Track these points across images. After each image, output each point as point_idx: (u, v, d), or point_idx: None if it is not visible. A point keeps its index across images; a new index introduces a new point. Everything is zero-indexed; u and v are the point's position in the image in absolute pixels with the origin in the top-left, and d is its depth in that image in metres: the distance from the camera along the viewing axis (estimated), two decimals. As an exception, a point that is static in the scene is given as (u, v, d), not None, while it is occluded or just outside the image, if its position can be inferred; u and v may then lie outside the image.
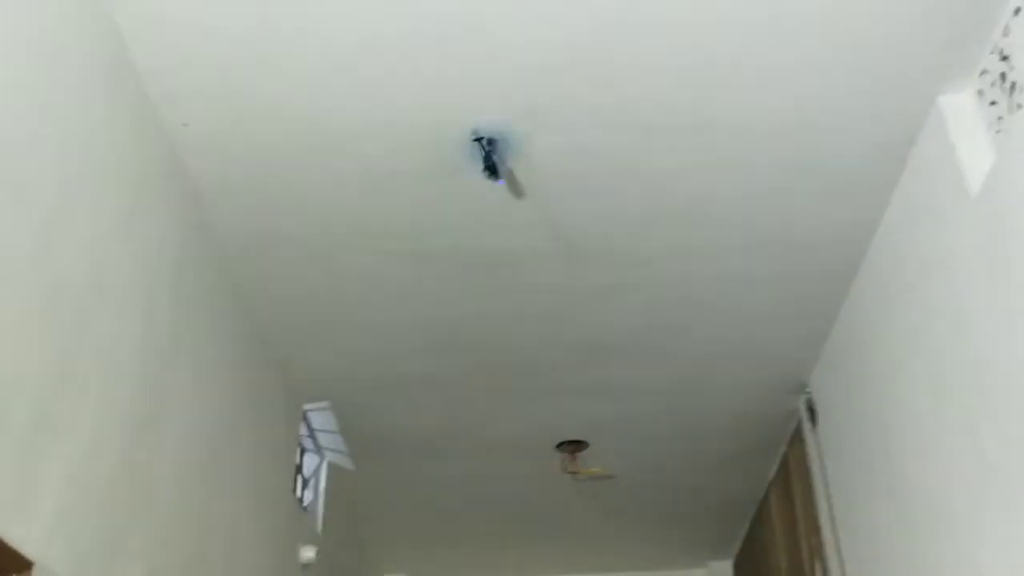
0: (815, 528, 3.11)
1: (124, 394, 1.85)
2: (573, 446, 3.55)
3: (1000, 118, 1.82)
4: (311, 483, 3.59)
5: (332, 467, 3.65)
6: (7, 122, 1.44)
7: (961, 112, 1.92)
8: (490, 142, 2.03)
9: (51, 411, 1.57)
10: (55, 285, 1.58)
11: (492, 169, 2.03)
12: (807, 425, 3.12)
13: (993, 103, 1.84)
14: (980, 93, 1.89)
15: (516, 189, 2.20)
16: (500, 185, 2.15)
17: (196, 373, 2.22)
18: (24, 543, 1.45)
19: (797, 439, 3.27)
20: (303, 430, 3.31)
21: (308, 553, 3.15)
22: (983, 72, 1.86)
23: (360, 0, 1.74)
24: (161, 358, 2.01)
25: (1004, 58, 1.79)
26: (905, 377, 2.24)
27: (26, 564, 1.46)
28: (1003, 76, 1.79)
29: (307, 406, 3.24)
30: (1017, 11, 1.72)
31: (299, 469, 3.36)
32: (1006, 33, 1.77)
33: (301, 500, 3.37)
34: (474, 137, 2.03)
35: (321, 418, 3.38)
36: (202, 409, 2.26)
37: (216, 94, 1.94)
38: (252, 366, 2.67)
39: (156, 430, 1.99)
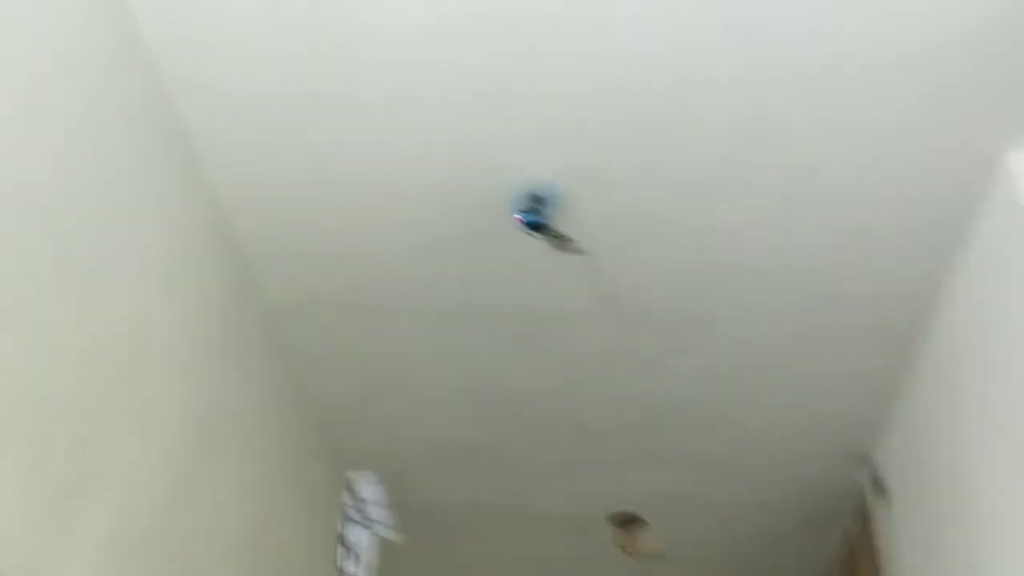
0: (885, 612, 2.92)
1: (161, 457, 1.81)
2: (627, 520, 3.42)
3: (1073, 171, 1.72)
4: (356, 555, 3.49)
5: (379, 539, 3.56)
6: (58, 175, 1.45)
7: (1030, 167, 1.83)
8: (537, 199, 2.00)
9: (86, 473, 1.53)
10: (95, 341, 1.56)
11: (538, 227, 1.99)
12: (872, 500, 2.95)
13: (1065, 155, 1.75)
14: (1050, 146, 1.80)
15: (569, 249, 2.15)
16: (548, 245, 2.11)
17: (237, 437, 2.18)
18: (53, 609, 1.41)
19: (862, 515, 3.10)
20: (348, 500, 3.24)
21: (351, 628, 3.05)
22: (1052, 124, 1.78)
23: (400, 63, 1.75)
24: (201, 421, 1.98)
25: (1075, 108, 1.70)
26: (982, 452, 2.10)
27: (54, 631, 1.41)
28: (1075, 127, 1.71)
29: (352, 474, 3.18)
30: (1087, 59, 1.64)
31: (343, 540, 3.28)
32: (1076, 82, 1.69)
33: (342, 572, 3.28)
34: (520, 196, 2.00)
35: (368, 488, 3.30)
36: (242, 474, 2.22)
37: (263, 155, 1.95)
38: (295, 431, 2.63)
39: (194, 494, 1.95)
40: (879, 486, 2.89)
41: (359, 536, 3.51)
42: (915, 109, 1.79)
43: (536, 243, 2.10)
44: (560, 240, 2.04)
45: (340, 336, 2.45)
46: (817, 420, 2.78)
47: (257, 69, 1.76)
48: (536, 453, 2.99)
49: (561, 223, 2.05)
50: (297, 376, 2.56)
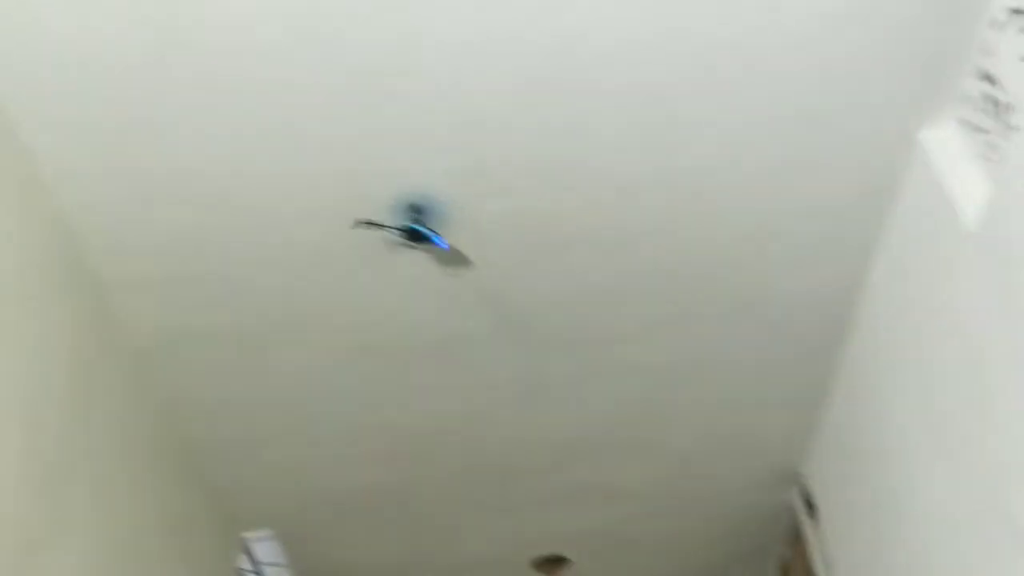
0: (826, 638, 2.76)
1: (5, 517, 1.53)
2: (551, 562, 3.20)
3: (990, 144, 1.63)
4: (259, 626, 3.17)
5: (283, 606, 3.25)
6: None
7: (944, 145, 1.74)
8: (417, 209, 1.82)
9: None
10: None
11: (417, 238, 1.80)
12: (804, 520, 2.81)
13: (980, 130, 1.66)
14: (963, 122, 1.71)
15: (461, 263, 1.96)
16: (443, 259, 1.93)
17: (98, 499, 1.89)
18: None
19: (796, 537, 2.96)
20: (245, 565, 2.93)
21: None
22: (964, 99, 1.69)
23: (260, 55, 1.55)
24: (48, 481, 1.70)
25: (987, 79, 1.62)
26: (915, 448, 1.98)
27: None
28: (989, 98, 1.62)
29: (247, 535, 2.88)
30: (994, 24, 1.56)
31: (241, 609, 2.97)
32: (987, 52, 1.60)
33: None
34: (405, 204, 1.82)
35: (266, 550, 3.01)
36: (107, 545, 1.92)
37: (112, 173, 1.71)
38: (176, 489, 2.34)
39: (49, 559, 1.66)
40: (810, 505, 2.76)
41: (261, 604, 3.20)
42: (818, 90, 1.69)
43: (426, 261, 1.93)
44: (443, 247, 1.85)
45: (219, 377, 2.19)
46: (741, 440, 2.64)
47: (96, 69, 1.54)
48: (448, 497, 2.76)
49: (446, 234, 1.86)
50: (173, 425, 2.28)
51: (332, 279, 1.97)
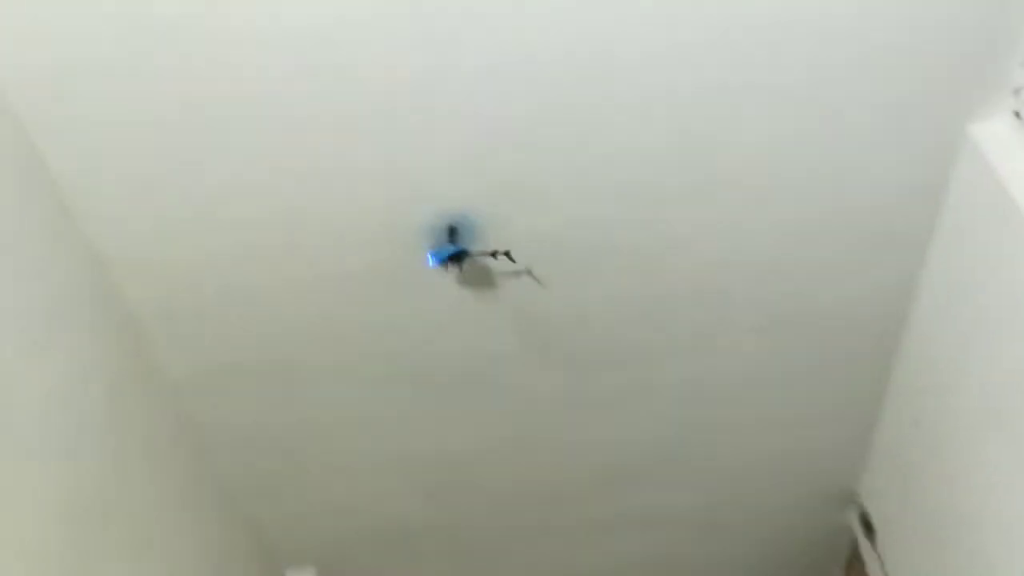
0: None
1: (31, 565, 1.49)
2: (598, 594, 3.10)
3: (1047, 134, 1.56)
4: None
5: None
6: None
7: (998, 137, 1.66)
8: (452, 231, 1.78)
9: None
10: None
11: (458, 257, 1.76)
12: (863, 541, 2.70)
13: (1036, 120, 1.59)
14: (1018, 115, 1.64)
15: (491, 283, 1.91)
16: (479, 280, 1.89)
17: (135, 535, 1.85)
18: None
19: (853, 560, 2.84)
20: (287, 602, 2.87)
21: None
22: (1017, 90, 1.62)
23: (287, 76, 1.51)
24: (85, 516, 1.66)
25: (1041, 66, 1.55)
26: (983, 459, 1.88)
27: None
28: (1044, 86, 1.55)
29: (290, 573, 2.83)
30: (1049, 8, 1.49)
31: (283, 649, 2.90)
32: (1039, 40, 1.53)
33: None
34: (434, 228, 1.78)
35: (307, 586, 2.95)
36: (146, 571, 1.88)
37: (140, 202, 1.68)
38: (214, 524, 2.30)
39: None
40: (868, 525, 2.65)
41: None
42: (864, 86, 1.62)
43: (460, 284, 1.88)
44: (493, 255, 1.80)
45: (255, 408, 2.14)
46: (792, 458, 2.54)
47: (123, 95, 1.52)
48: (491, 527, 2.68)
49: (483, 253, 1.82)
50: (210, 458, 2.24)
51: (368, 306, 1.93)
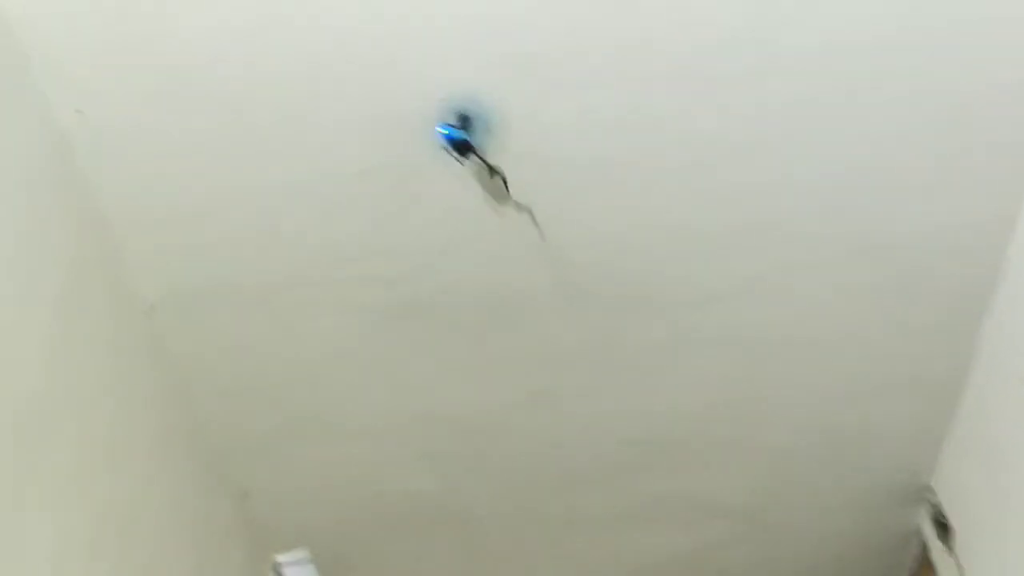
0: None
1: None
2: (626, 601, 2.76)
3: None
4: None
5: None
6: None
7: None
8: (464, 120, 1.51)
9: None
10: None
11: (462, 147, 1.50)
12: (936, 544, 2.34)
13: None
14: None
15: (508, 200, 1.63)
16: (497, 190, 1.61)
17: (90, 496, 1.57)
18: None
19: (923, 566, 2.48)
20: (277, 591, 2.58)
21: None
22: None
23: None
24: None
25: None
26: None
27: None
28: None
29: (280, 557, 2.53)
30: None
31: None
32: None
33: None
34: (443, 113, 1.51)
35: (300, 573, 2.64)
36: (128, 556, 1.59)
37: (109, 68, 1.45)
38: (193, 493, 2.00)
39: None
40: (943, 527, 2.29)
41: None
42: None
43: (474, 197, 1.61)
44: (489, 171, 1.55)
45: (240, 342, 1.87)
46: (855, 439, 2.19)
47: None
48: (506, 510, 2.36)
49: (504, 154, 1.55)
50: (188, 406, 1.96)
51: (371, 215, 1.67)
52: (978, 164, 1.62)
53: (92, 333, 1.61)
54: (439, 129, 1.49)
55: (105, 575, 1.55)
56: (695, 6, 1.41)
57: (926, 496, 2.32)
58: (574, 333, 1.88)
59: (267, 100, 1.51)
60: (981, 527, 2.14)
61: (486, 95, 1.49)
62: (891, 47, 1.46)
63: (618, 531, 2.45)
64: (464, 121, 1.51)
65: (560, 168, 1.60)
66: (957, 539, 2.23)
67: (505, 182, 1.59)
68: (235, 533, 2.23)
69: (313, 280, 1.77)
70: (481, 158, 1.53)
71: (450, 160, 1.54)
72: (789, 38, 1.44)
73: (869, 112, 1.54)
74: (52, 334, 1.47)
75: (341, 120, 1.53)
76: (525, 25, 1.42)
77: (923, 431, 2.16)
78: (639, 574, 2.64)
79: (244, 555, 2.28)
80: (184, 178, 1.60)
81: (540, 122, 1.53)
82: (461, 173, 1.57)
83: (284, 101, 1.51)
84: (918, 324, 1.90)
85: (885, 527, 2.45)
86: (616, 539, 2.49)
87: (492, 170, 1.56)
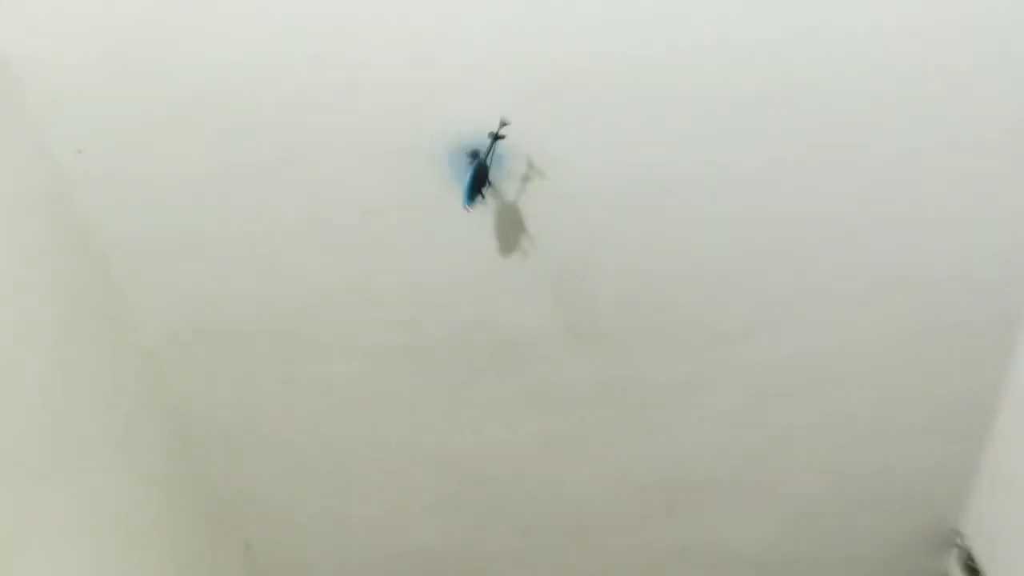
0: None
1: None
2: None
3: None
4: None
5: None
6: None
7: None
8: (474, 156, 1.47)
9: None
10: None
11: (475, 188, 1.46)
12: (968, 593, 2.25)
13: None
14: None
15: (524, 235, 1.59)
16: (506, 231, 1.56)
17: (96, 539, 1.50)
18: None
19: (957, 616, 2.37)
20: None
21: None
22: None
23: None
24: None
25: None
26: None
27: None
28: None
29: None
30: None
31: None
32: None
33: None
34: (464, 152, 1.47)
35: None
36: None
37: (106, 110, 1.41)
38: (196, 543, 1.92)
39: None
40: (973, 572, 2.20)
41: None
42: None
43: (485, 234, 1.57)
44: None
45: (243, 385, 1.80)
46: (880, 483, 2.11)
47: None
48: (518, 563, 2.26)
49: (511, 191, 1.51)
50: (190, 454, 1.88)
51: (372, 254, 1.61)
52: (1003, 195, 1.57)
53: (91, 376, 1.55)
54: (450, 166, 1.45)
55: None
56: (712, 31, 1.37)
57: (955, 541, 2.23)
58: (588, 374, 1.82)
59: (270, 137, 1.47)
60: (1013, 572, 2.05)
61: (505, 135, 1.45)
62: (916, 74, 1.42)
63: (640, 581, 2.36)
64: (475, 158, 1.47)
65: (574, 202, 1.55)
66: (990, 585, 2.14)
67: (518, 217, 1.54)
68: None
69: (318, 322, 1.71)
70: (491, 194, 1.48)
71: (461, 197, 1.49)
72: (810, 63, 1.40)
73: (892, 140, 1.50)
74: (50, 376, 1.40)
75: (346, 157, 1.49)
76: (536, 57, 1.38)
77: (950, 473, 2.08)
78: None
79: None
80: (186, 217, 1.54)
81: (553, 155, 1.49)
82: (473, 210, 1.51)
83: (287, 137, 1.47)
84: (944, 361, 1.84)
85: (914, 572, 2.35)
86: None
87: (503, 206, 1.51)
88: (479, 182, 1.44)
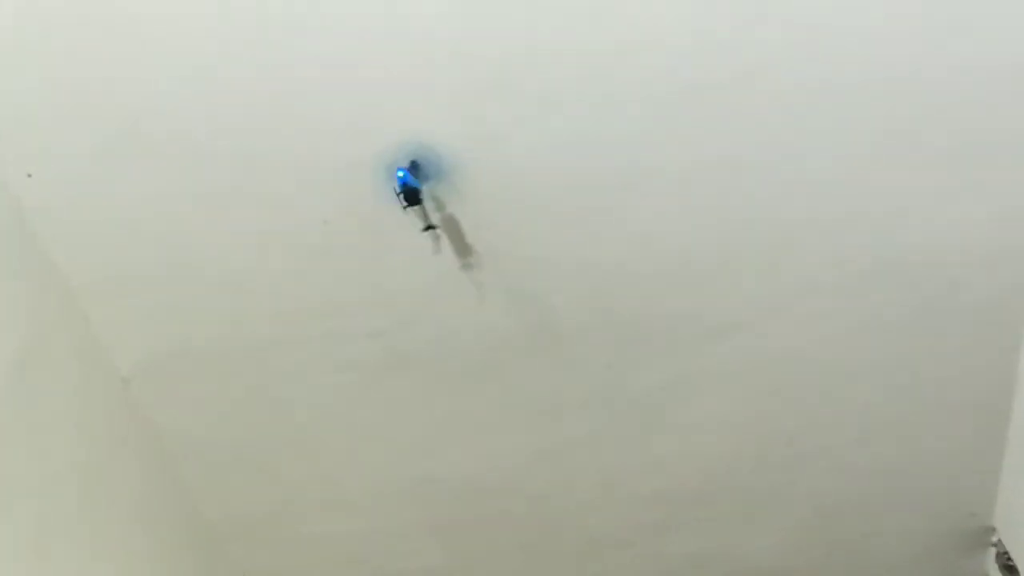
0: None
1: None
2: None
3: None
4: None
5: None
6: None
7: None
8: (414, 166, 1.43)
9: None
10: None
11: (411, 196, 1.42)
12: (1007, 594, 2.10)
13: None
14: None
15: (483, 241, 1.54)
16: (473, 235, 1.52)
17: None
18: None
19: (997, 620, 2.22)
20: None
21: None
22: None
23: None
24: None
25: None
26: None
27: None
28: None
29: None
30: None
31: None
32: None
33: None
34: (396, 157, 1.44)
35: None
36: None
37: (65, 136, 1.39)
38: (186, 566, 1.88)
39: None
40: (1011, 570, 2.06)
41: None
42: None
43: (446, 245, 1.53)
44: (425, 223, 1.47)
45: (221, 412, 1.77)
46: (905, 480, 2.00)
47: None
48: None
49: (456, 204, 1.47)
50: (173, 479, 1.85)
51: (336, 265, 1.58)
52: (1005, 163, 1.47)
53: (58, 403, 1.53)
54: (398, 173, 1.41)
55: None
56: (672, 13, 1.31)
57: (990, 539, 2.10)
58: (571, 379, 1.75)
59: (222, 150, 1.44)
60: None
61: (441, 137, 1.40)
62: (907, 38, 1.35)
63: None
64: (416, 169, 1.43)
65: (533, 200, 1.50)
66: (1028, 584, 2.00)
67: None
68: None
69: (291, 338, 1.67)
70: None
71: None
72: (779, 43, 1.33)
73: (884, 105, 1.40)
74: (7, 403, 1.38)
75: (299, 169, 1.45)
76: (476, 56, 1.33)
77: (976, 464, 1.95)
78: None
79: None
80: (143, 237, 1.52)
81: (505, 154, 1.43)
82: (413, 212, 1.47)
83: (239, 150, 1.44)
84: (956, 343, 1.73)
85: (947, 574, 2.21)
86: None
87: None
88: (409, 196, 1.41)
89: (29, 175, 1.44)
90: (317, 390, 1.75)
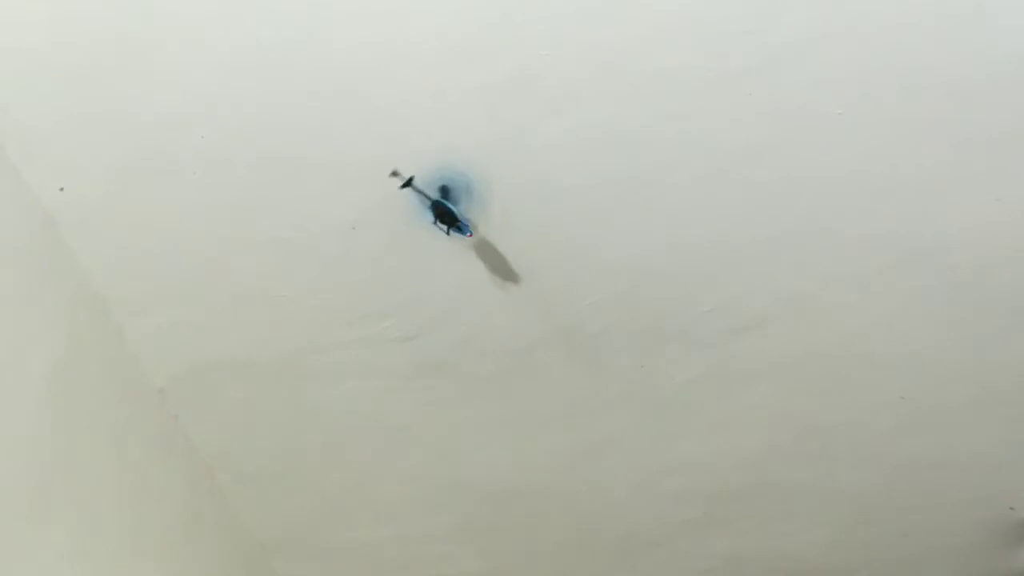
0: None
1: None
2: None
3: None
4: None
5: None
6: None
7: None
8: (444, 191, 1.44)
9: None
10: None
11: (447, 220, 1.44)
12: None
13: None
14: None
15: (515, 247, 1.54)
16: (496, 243, 1.53)
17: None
18: None
19: (1043, 615, 2.19)
20: None
21: None
22: None
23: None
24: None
25: None
26: None
27: None
28: None
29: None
30: None
31: None
32: None
33: None
34: (435, 185, 1.45)
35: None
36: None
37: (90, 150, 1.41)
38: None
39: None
40: (1055, 564, 2.03)
41: None
42: None
43: (477, 245, 1.53)
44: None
45: (256, 421, 1.78)
46: (946, 473, 1.96)
47: None
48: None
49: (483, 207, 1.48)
50: (208, 488, 1.87)
51: (365, 270, 1.59)
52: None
53: (94, 416, 1.54)
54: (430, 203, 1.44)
55: None
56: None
57: (1031, 530, 2.06)
58: (602, 379, 1.74)
59: (250, 158, 1.45)
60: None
61: (464, 139, 1.41)
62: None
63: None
64: (444, 192, 1.45)
65: (559, 201, 1.50)
66: (1074, 578, 1.97)
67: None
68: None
69: (324, 345, 1.69)
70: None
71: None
72: (800, 26, 1.33)
73: (910, 92, 1.39)
74: (42, 417, 1.40)
75: (326, 173, 1.47)
76: (496, 56, 1.34)
77: (1014, 457, 1.92)
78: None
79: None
80: (175, 249, 1.54)
81: (531, 150, 1.43)
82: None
83: (268, 156, 1.45)
84: (988, 331, 1.70)
85: (989, 572, 2.18)
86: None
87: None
88: (446, 219, 1.42)
89: (61, 189, 1.45)
90: (350, 396, 1.76)
